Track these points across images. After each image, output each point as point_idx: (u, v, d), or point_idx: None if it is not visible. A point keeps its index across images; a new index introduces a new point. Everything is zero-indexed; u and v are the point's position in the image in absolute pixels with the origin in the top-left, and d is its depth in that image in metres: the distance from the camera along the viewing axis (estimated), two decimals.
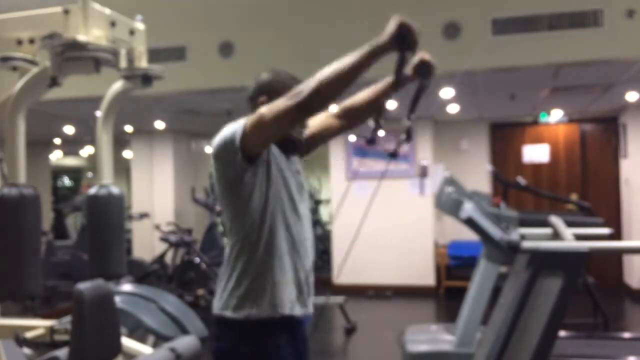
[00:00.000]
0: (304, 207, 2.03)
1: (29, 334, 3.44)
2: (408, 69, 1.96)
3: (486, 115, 8.16)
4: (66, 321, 3.41)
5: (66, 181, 16.04)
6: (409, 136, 1.98)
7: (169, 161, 9.09)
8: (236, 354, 1.91)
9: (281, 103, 1.75)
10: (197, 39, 5.51)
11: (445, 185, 3.90)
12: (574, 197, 7.80)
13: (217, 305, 1.95)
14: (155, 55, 3.82)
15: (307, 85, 1.72)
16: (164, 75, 3.25)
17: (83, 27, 2.66)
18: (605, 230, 3.04)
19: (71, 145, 11.38)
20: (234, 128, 1.84)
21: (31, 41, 3.01)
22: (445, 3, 5.01)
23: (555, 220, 2.90)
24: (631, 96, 6.56)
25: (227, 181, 1.90)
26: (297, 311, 1.96)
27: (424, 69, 1.92)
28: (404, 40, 1.66)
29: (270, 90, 1.98)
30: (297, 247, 1.96)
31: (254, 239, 1.90)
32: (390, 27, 1.66)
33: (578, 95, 6.58)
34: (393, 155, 1.91)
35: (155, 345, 3.90)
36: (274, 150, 1.95)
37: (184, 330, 4.21)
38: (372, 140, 2.03)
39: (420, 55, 1.92)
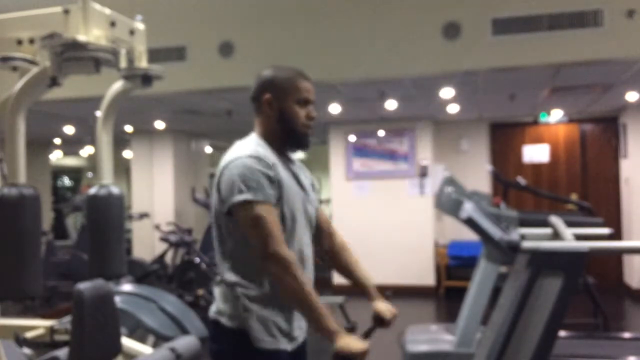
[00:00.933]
0: (303, 227, 1.98)
1: (29, 334, 3.44)
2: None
3: (486, 115, 8.16)
4: (66, 321, 3.41)
5: (66, 181, 16.05)
6: None
7: (169, 161, 9.08)
8: (234, 357, 1.90)
9: (269, 239, 1.78)
10: (197, 39, 5.51)
11: (445, 185, 3.90)
12: (574, 197, 7.80)
13: (213, 309, 1.94)
14: (155, 55, 3.82)
15: (285, 267, 1.77)
16: (164, 75, 3.25)
17: (83, 27, 2.66)
18: (605, 230, 3.04)
19: (71, 145, 11.37)
20: (243, 188, 1.82)
21: (31, 41, 3.00)
22: (445, 3, 5.01)
23: (555, 220, 2.90)
24: (631, 96, 6.55)
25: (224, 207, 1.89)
26: (287, 345, 1.92)
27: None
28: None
29: (273, 86, 1.96)
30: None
31: (251, 256, 1.86)
32: (339, 345, 1.74)
33: (578, 95, 6.58)
34: None
35: (155, 345, 3.90)
36: (283, 174, 1.91)
37: (184, 330, 4.22)
38: None
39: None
